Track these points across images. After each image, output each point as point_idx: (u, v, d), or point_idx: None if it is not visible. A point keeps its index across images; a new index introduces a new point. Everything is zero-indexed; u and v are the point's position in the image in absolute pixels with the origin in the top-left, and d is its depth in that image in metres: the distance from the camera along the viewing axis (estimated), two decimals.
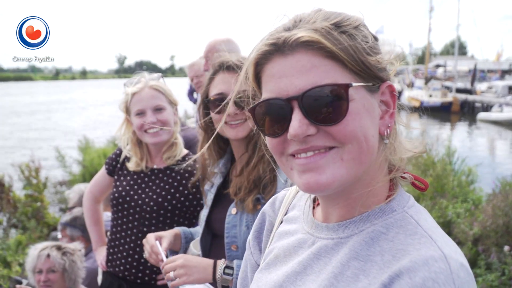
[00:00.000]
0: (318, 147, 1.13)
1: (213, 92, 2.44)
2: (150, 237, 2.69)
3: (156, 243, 2.63)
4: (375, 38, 1.22)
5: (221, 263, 2.32)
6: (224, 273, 2.30)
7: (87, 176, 12.37)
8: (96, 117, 41.71)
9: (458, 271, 1.03)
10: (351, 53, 1.11)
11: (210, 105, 2.46)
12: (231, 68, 2.41)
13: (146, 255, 2.69)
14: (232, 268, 2.29)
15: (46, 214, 9.18)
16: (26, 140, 28.40)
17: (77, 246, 4.28)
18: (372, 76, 1.16)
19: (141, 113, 3.17)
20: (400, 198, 1.22)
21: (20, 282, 5.57)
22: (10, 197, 8.96)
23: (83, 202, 3.74)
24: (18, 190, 9.72)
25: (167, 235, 2.72)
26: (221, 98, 2.40)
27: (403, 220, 1.16)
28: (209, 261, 2.36)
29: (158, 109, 3.18)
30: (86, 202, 3.69)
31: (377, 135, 1.18)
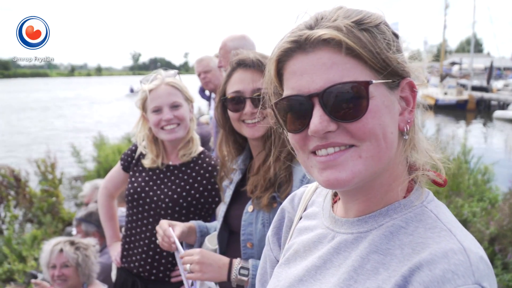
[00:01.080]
0: (338, 143, 1.15)
1: (230, 90, 2.43)
2: (163, 223, 2.71)
3: (169, 228, 2.64)
4: (396, 36, 1.23)
5: (237, 263, 2.32)
6: (239, 273, 2.29)
7: (101, 172, 12.49)
8: (112, 113, 41.99)
9: (477, 263, 1.04)
10: (372, 50, 1.13)
11: (227, 104, 2.45)
12: (248, 65, 2.40)
13: (159, 239, 2.70)
14: (247, 268, 2.29)
15: (61, 209, 9.28)
16: (42, 136, 28.66)
17: (91, 241, 4.31)
18: (392, 73, 1.17)
19: (158, 110, 3.17)
20: (419, 193, 1.23)
21: (35, 277, 5.65)
22: (26, 192, 9.07)
23: (98, 197, 3.75)
24: (34, 185, 9.83)
25: (181, 224, 2.73)
26: (238, 96, 2.39)
27: (423, 214, 1.17)
28: (225, 261, 2.35)
29: (174, 106, 3.18)
30: (101, 198, 3.70)
31: (396, 132, 1.19)
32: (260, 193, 2.33)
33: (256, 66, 2.38)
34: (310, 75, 1.14)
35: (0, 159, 16.98)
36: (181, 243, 2.68)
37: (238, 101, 2.39)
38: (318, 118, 1.13)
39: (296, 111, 1.18)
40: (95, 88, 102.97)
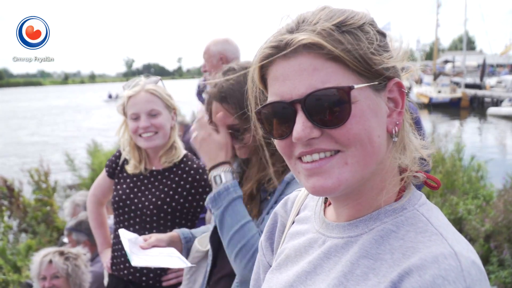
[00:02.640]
0: (322, 149, 1.14)
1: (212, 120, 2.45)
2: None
3: (122, 234, 2.64)
4: (383, 35, 1.21)
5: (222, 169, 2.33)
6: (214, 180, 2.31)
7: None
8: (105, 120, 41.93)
9: (469, 268, 1.01)
10: (354, 53, 1.11)
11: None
12: (221, 99, 2.36)
13: None
14: (221, 177, 2.31)
15: (55, 219, 9.22)
16: (35, 144, 28.56)
17: (81, 250, 4.28)
18: (377, 75, 1.14)
19: (135, 117, 3.16)
20: (411, 196, 1.21)
21: (30, 287, 5.60)
22: (20, 202, 9.01)
23: (87, 205, 3.73)
24: (28, 194, 9.77)
25: (160, 237, 2.72)
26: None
27: (414, 218, 1.15)
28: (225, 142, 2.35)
29: (152, 114, 3.16)
30: (90, 205, 3.68)
31: (384, 135, 1.17)
32: (247, 198, 2.35)
33: (227, 98, 2.34)
34: (292, 81, 1.13)
35: None
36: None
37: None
38: (300, 125, 1.12)
39: (280, 117, 1.17)
40: (87, 95, 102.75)
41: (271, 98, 1.19)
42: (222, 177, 2.28)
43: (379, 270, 1.10)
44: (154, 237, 2.70)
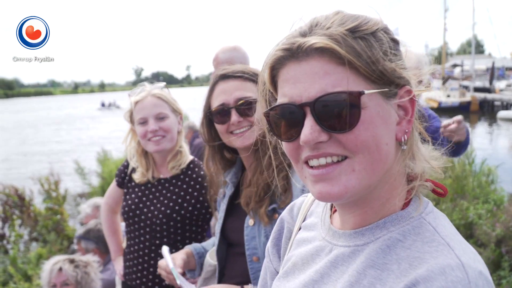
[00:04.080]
0: (330, 154, 1.13)
1: (215, 104, 2.43)
2: (162, 263, 2.70)
3: (168, 265, 2.60)
4: (396, 42, 1.20)
5: None
6: None
7: (106, 188, 12.43)
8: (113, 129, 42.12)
9: (476, 280, 1.00)
10: (366, 59, 1.10)
11: (213, 117, 2.45)
12: (228, 77, 2.40)
13: (165, 278, 2.69)
14: None
15: (66, 227, 9.26)
16: (44, 153, 28.72)
17: (91, 258, 4.30)
18: (389, 82, 1.14)
19: (143, 122, 3.18)
20: (417, 204, 1.20)
21: None
22: (31, 211, 9.07)
23: (101, 213, 3.78)
24: (38, 203, 9.83)
25: (179, 256, 2.72)
26: (223, 108, 2.39)
27: (421, 227, 1.14)
28: None
29: (160, 117, 3.19)
30: (103, 213, 3.73)
31: (392, 143, 1.16)
32: (255, 204, 2.31)
33: (237, 75, 2.38)
34: (303, 84, 1.13)
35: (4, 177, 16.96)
36: (183, 273, 2.67)
37: (223, 112, 2.38)
38: (309, 128, 1.11)
39: (289, 119, 1.17)
40: (91, 104, 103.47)
41: (280, 100, 1.19)
42: None
43: (386, 280, 1.10)
44: (180, 261, 2.68)
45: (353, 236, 1.22)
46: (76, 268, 4.04)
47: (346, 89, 1.09)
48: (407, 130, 1.18)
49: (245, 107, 2.34)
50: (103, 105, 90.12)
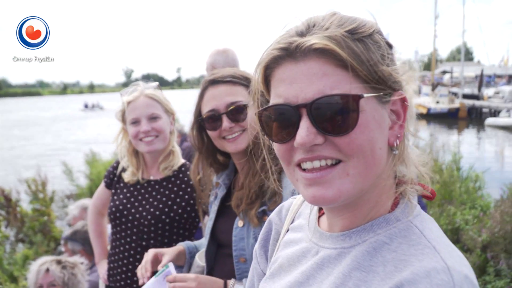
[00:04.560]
0: (324, 157, 1.11)
1: (205, 109, 2.42)
2: (150, 253, 2.65)
3: (149, 261, 2.56)
4: (390, 46, 1.19)
5: (231, 286, 2.28)
6: None
7: (94, 189, 12.37)
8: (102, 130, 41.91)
9: (461, 283, 0.99)
10: (365, 62, 1.09)
11: (204, 123, 2.44)
12: (217, 82, 2.40)
13: (138, 269, 2.63)
14: None
15: (53, 228, 9.20)
16: (31, 154, 28.50)
17: (78, 259, 4.27)
18: (385, 86, 1.13)
19: (136, 122, 3.16)
20: (405, 208, 1.19)
21: None
22: (17, 212, 9.00)
23: (88, 215, 3.75)
24: (25, 204, 9.75)
25: (170, 252, 2.68)
26: (214, 114, 2.38)
27: (407, 230, 1.14)
28: (220, 285, 2.31)
29: (153, 118, 3.17)
30: (90, 215, 3.70)
31: (385, 147, 1.15)
32: (245, 206, 2.31)
33: (226, 80, 2.38)
34: (299, 85, 1.10)
35: None
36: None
37: (214, 118, 2.37)
38: (305, 130, 1.09)
39: (283, 120, 1.14)
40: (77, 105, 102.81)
41: (274, 100, 1.16)
42: None
43: (371, 282, 1.09)
44: (165, 258, 2.61)
45: (340, 239, 1.21)
46: (63, 269, 4.01)
47: (345, 92, 1.08)
48: (399, 135, 1.17)
49: (236, 112, 2.34)
50: (86, 106, 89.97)
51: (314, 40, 1.08)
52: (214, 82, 2.40)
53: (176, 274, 2.35)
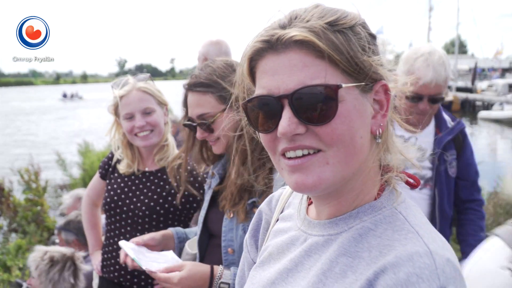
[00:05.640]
0: (306, 146, 1.14)
1: (187, 114, 2.49)
2: (122, 257, 2.67)
3: (127, 252, 2.59)
4: (373, 37, 1.21)
5: (218, 275, 2.28)
6: (219, 287, 2.28)
7: (87, 179, 12.37)
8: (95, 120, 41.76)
9: (443, 266, 1.02)
10: (344, 53, 1.12)
11: (187, 127, 2.50)
12: (190, 89, 2.41)
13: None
14: (228, 283, 2.27)
15: (46, 218, 9.18)
16: (26, 143, 28.39)
17: (68, 251, 4.17)
18: (365, 76, 1.15)
19: (130, 117, 3.13)
20: (390, 195, 1.22)
21: (20, 286, 5.57)
22: (10, 202, 8.98)
23: (82, 206, 3.72)
24: (18, 194, 9.73)
25: (153, 235, 2.73)
26: (191, 123, 2.44)
27: (392, 216, 1.17)
28: (206, 274, 2.30)
29: (147, 112, 3.14)
30: (84, 206, 3.67)
31: (367, 136, 1.17)
32: (229, 206, 2.34)
33: (196, 90, 2.38)
34: (281, 76, 1.13)
35: None
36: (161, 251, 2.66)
37: (191, 126, 2.44)
38: (286, 120, 1.12)
39: (266, 111, 1.17)
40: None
41: (258, 92, 1.20)
42: (226, 282, 2.28)
43: (356, 268, 1.12)
44: (148, 235, 2.70)
45: (327, 226, 1.24)
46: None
47: (325, 82, 1.10)
48: (381, 124, 1.20)
49: (206, 124, 2.36)
50: (65, 95, 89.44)
51: (294, 32, 1.11)
52: (188, 88, 2.43)
53: (159, 273, 2.34)
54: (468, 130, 34.71)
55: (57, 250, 3.89)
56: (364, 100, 1.16)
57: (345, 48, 1.11)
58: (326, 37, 1.11)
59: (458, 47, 68.38)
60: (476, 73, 58.85)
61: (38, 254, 3.77)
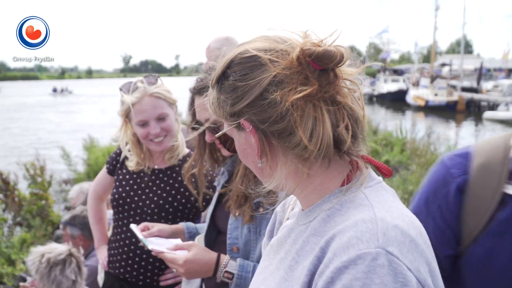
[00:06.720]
0: None
1: (195, 118, 2.51)
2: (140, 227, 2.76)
3: (134, 228, 2.71)
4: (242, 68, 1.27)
5: (223, 265, 2.31)
6: (223, 276, 2.31)
7: (92, 174, 12.41)
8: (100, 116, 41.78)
9: (386, 230, 1.09)
10: (215, 107, 1.32)
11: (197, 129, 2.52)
12: (198, 92, 2.43)
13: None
14: (232, 273, 2.30)
15: (51, 213, 9.24)
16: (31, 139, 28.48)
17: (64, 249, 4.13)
18: (233, 117, 1.29)
19: (144, 124, 3.10)
20: (360, 180, 1.28)
21: (24, 280, 5.60)
22: (15, 195, 9.02)
23: (88, 200, 3.72)
24: (23, 188, 9.78)
25: (162, 226, 2.78)
26: (199, 127, 2.46)
27: (356, 196, 1.24)
28: (212, 261, 2.34)
29: (161, 118, 3.11)
30: (90, 201, 3.68)
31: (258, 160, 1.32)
32: (235, 208, 2.36)
33: (203, 93, 2.38)
34: None
35: None
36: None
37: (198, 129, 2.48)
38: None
39: None
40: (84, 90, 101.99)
41: None
42: (231, 272, 2.30)
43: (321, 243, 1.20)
44: (157, 227, 2.74)
45: (307, 214, 1.33)
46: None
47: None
48: (260, 160, 1.30)
49: (215, 127, 2.37)
50: (54, 90, 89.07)
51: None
52: (196, 92, 2.46)
53: (166, 253, 2.40)
54: (473, 130, 34.54)
55: (53, 250, 3.84)
56: (242, 136, 1.32)
57: (215, 101, 1.34)
58: (212, 103, 1.35)
59: (464, 47, 68.06)
60: (482, 73, 58.50)
61: (35, 257, 3.74)
